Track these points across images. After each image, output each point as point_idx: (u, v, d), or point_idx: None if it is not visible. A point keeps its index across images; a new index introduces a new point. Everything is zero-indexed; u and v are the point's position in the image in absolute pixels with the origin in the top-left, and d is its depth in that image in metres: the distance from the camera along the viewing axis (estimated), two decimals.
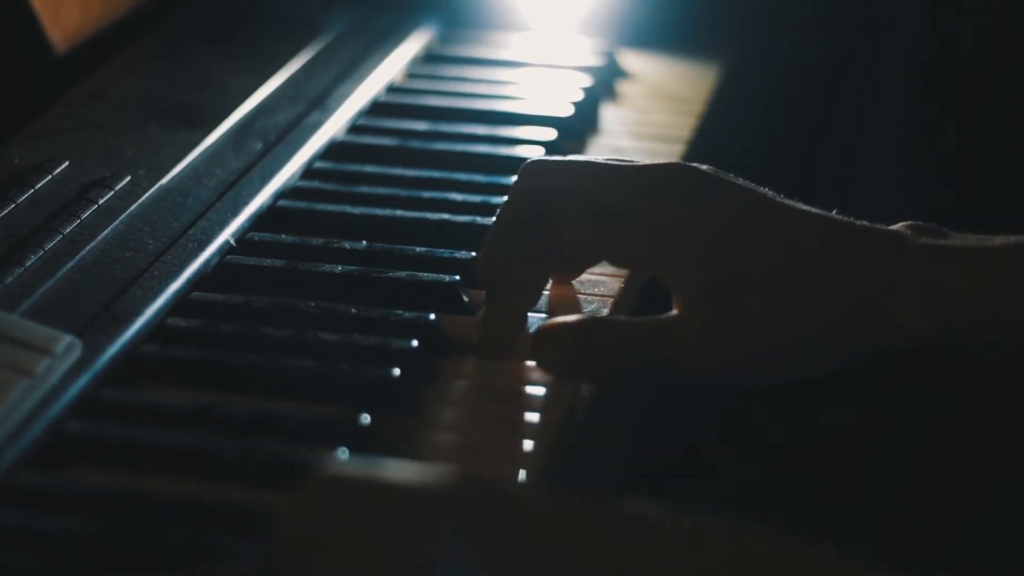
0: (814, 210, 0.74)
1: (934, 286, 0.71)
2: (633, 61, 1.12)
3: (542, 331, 0.74)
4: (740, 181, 0.75)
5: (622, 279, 0.82)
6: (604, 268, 0.83)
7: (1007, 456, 0.92)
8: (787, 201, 0.74)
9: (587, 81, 1.05)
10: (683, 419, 0.95)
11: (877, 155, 1.22)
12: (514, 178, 0.78)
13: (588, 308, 0.80)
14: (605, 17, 1.14)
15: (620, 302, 0.81)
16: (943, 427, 0.96)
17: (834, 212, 0.74)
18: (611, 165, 0.76)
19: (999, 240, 0.72)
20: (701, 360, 0.72)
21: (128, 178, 0.85)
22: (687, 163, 0.76)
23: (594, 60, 1.09)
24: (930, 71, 1.25)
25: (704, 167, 0.75)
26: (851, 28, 1.26)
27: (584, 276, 0.82)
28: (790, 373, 0.73)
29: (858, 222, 0.74)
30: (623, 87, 1.10)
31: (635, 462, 0.92)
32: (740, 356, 0.72)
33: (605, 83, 1.08)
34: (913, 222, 0.74)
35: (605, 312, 0.80)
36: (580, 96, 1.03)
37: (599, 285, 0.82)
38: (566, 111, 1.00)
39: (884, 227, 0.73)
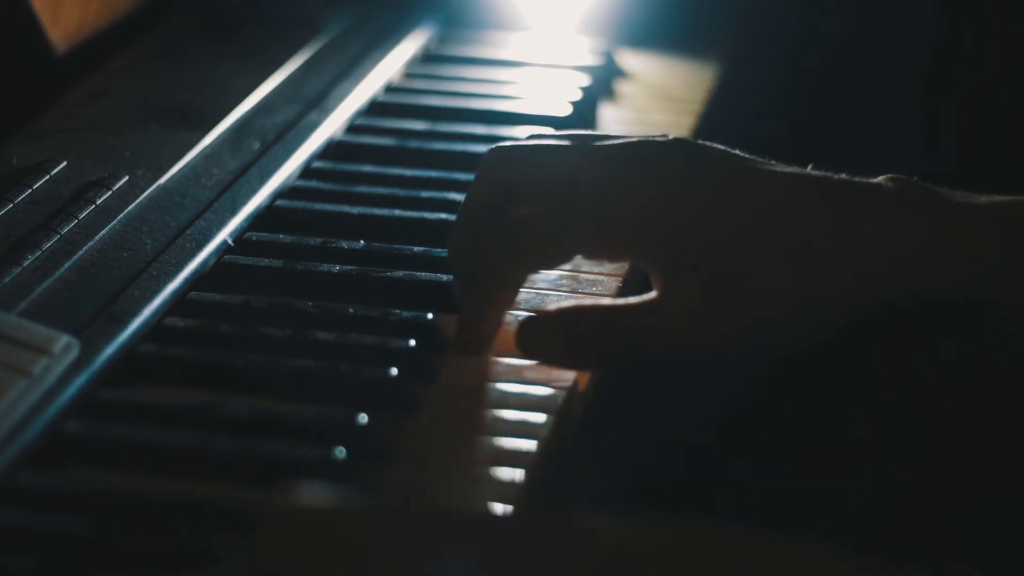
0: (795, 170, 0.73)
1: (929, 240, 0.71)
2: (632, 61, 1.12)
3: (527, 323, 0.74)
4: (721, 149, 0.74)
5: (620, 278, 0.82)
6: (602, 268, 0.83)
7: (1009, 456, 0.92)
8: (772, 165, 0.73)
9: (585, 81, 1.05)
10: (683, 419, 0.94)
11: (876, 155, 1.22)
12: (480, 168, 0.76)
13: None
14: (604, 17, 1.14)
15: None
16: (944, 427, 0.96)
17: (809, 167, 0.73)
18: (578, 147, 0.74)
19: (984, 197, 0.72)
20: (690, 339, 0.71)
21: (126, 178, 0.85)
22: (657, 139, 0.74)
23: (593, 60, 1.09)
24: (930, 71, 1.25)
25: (681, 139, 0.74)
26: (850, 28, 1.26)
27: (583, 276, 0.82)
28: (786, 342, 0.72)
29: (841, 177, 0.73)
30: (622, 87, 1.10)
31: (635, 463, 0.92)
32: (731, 331, 0.71)
33: (604, 83, 1.08)
34: (895, 175, 0.73)
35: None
36: (578, 96, 1.03)
37: (597, 285, 0.82)
38: (564, 111, 1.00)
39: (867, 180, 0.72)
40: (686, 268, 0.71)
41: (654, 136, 0.75)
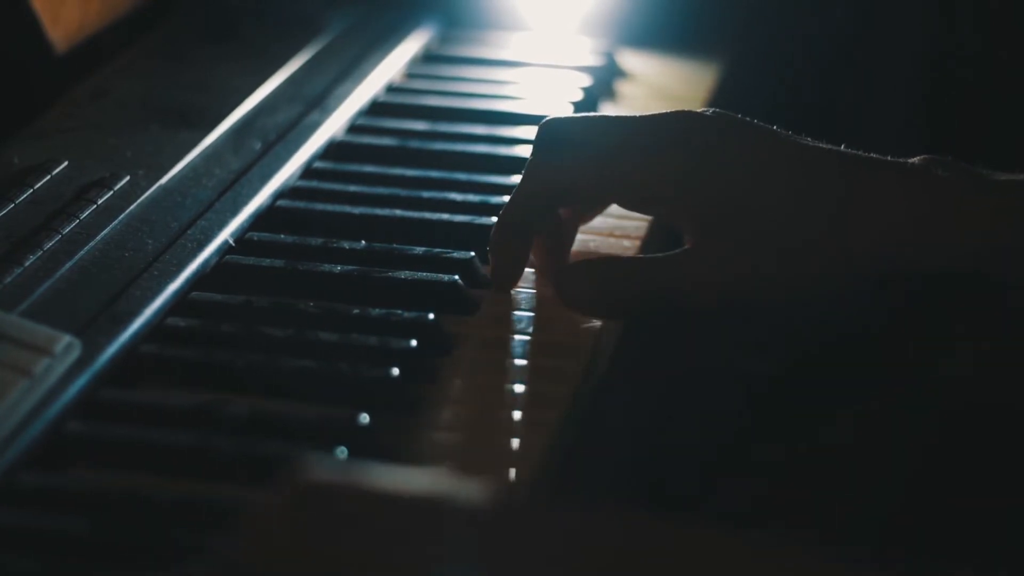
0: (830, 146, 0.78)
1: (954, 214, 0.75)
2: (633, 61, 1.12)
3: (566, 270, 0.79)
4: (760, 124, 0.78)
5: None
6: None
7: (1012, 457, 0.92)
8: (808, 140, 0.78)
9: (586, 81, 1.05)
10: (683, 419, 0.94)
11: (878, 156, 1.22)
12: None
13: None
14: (605, 17, 1.14)
15: None
16: (946, 427, 0.96)
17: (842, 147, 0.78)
18: (625, 116, 0.80)
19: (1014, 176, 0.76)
20: (714, 292, 0.77)
21: (127, 178, 0.85)
22: (693, 110, 0.79)
23: (593, 60, 1.09)
24: (931, 71, 1.25)
25: (723, 112, 0.79)
26: (851, 28, 1.26)
27: None
28: (805, 295, 0.77)
29: (872, 155, 0.77)
30: (622, 87, 1.10)
31: (634, 464, 0.92)
32: (753, 287, 0.77)
33: (604, 83, 1.08)
34: (931, 156, 0.77)
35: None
36: (579, 96, 1.03)
37: None
38: (565, 111, 1.00)
39: (902, 160, 0.77)
40: (722, 226, 0.76)
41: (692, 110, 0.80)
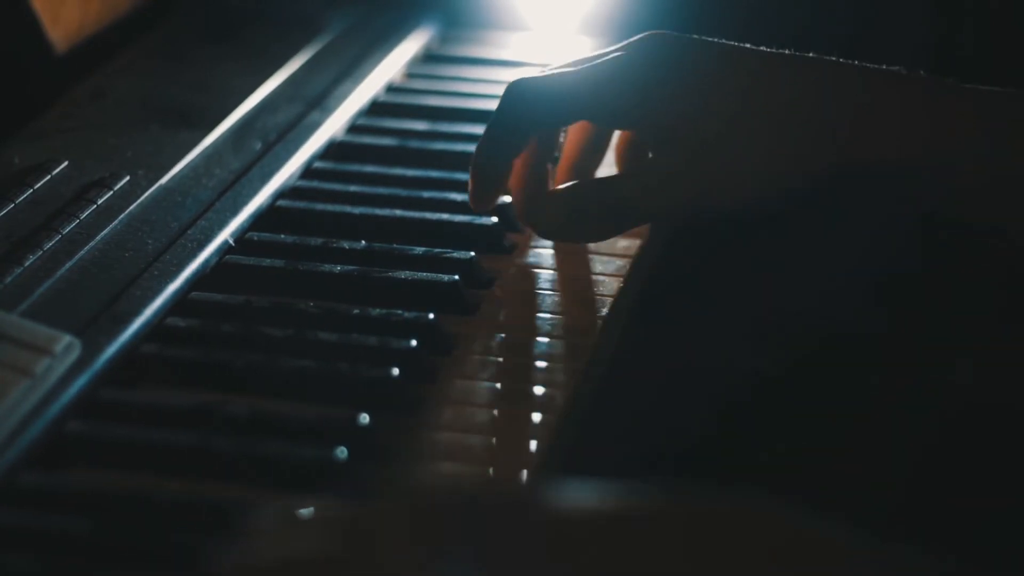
0: (811, 56, 0.79)
1: (908, 109, 0.77)
2: None
3: (532, 198, 0.81)
4: (712, 40, 0.81)
5: (621, 279, 0.82)
6: (604, 267, 0.83)
7: (1010, 457, 0.92)
8: (748, 47, 0.80)
9: None
10: (684, 418, 0.94)
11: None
12: None
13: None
14: (605, 17, 1.14)
15: (620, 300, 0.81)
16: (946, 427, 0.96)
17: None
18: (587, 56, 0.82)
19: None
20: (670, 197, 0.78)
21: (127, 178, 0.85)
22: (656, 31, 0.82)
23: None
24: (932, 71, 1.25)
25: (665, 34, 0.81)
26: (851, 28, 1.26)
27: (583, 277, 0.83)
28: (772, 197, 0.78)
29: (834, 58, 0.79)
30: None
31: (633, 464, 0.92)
32: (717, 193, 0.78)
33: None
34: (905, 68, 0.78)
35: (605, 311, 0.80)
36: None
37: (599, 285, 0.82)
38: None
39: (865, 64, 0.79)
40: (674, 132, 0.78)
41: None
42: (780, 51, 0.79)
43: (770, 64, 0.79)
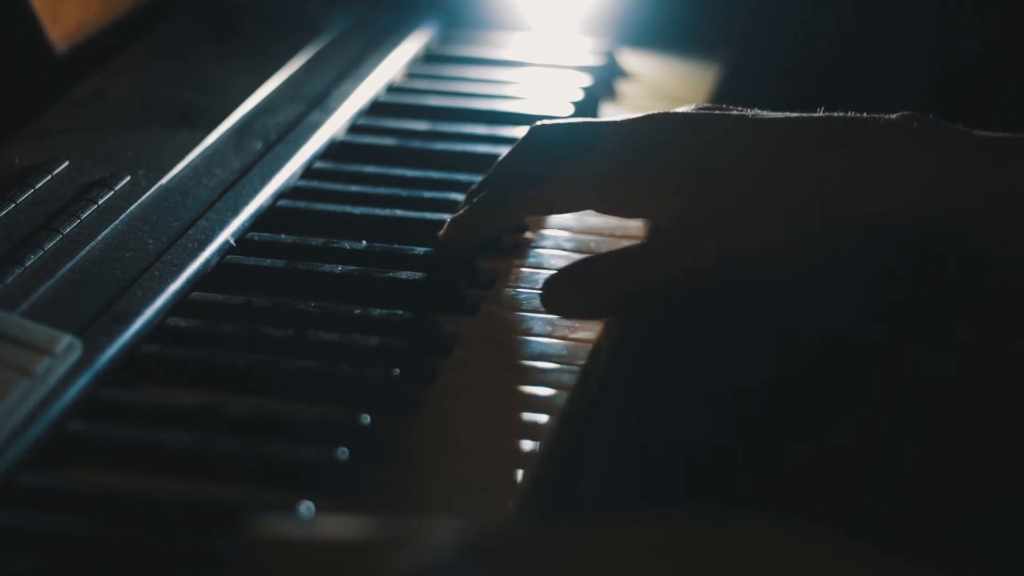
0: (792, 114, 0.78)
1: (947, 172, 0.75)
2: (633, 61, 1.12)
3: (550, 279, 0.78)
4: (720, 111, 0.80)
5: None
6: None
7: (1010, 458, 0.92)
8: (763, 113, 0.79)
9: (587, 81, 1.05)
10: (682, 419, 0.95)
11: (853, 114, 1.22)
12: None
13: None
14: (605, 17, 1.14)
15: None
16: (946, 427, 0.96)
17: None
18: (602, 128, 0.81)
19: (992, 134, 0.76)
20: (696, 264, 0.76)
21: (128, 178, 0.85)
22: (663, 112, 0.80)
23: (594, 60, 1.09)
24: (933, 72, 1.25)
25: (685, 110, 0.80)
26: (852, 28, 1.26)
27: None
28: (787, 262, 0.77)
29: (847, 114, 0.78)
30: (623, 87, 1.10)
31: (633, 466, 0.92)
32: (734, 255, 0.76)
33: (605, 83, 1.08)
34: (910, 112, 0.77)
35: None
36: (580, 96, 1.03)
37: None
38: (566, 111, 1.00)
39: (874, 115, 0.78)
40: (694, 197, 0.77)
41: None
42: (786, 115, 0.78)
43: (793, 123, 0.78)
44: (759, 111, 0.79)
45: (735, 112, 0.80)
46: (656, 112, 0.80)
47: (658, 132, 0.79)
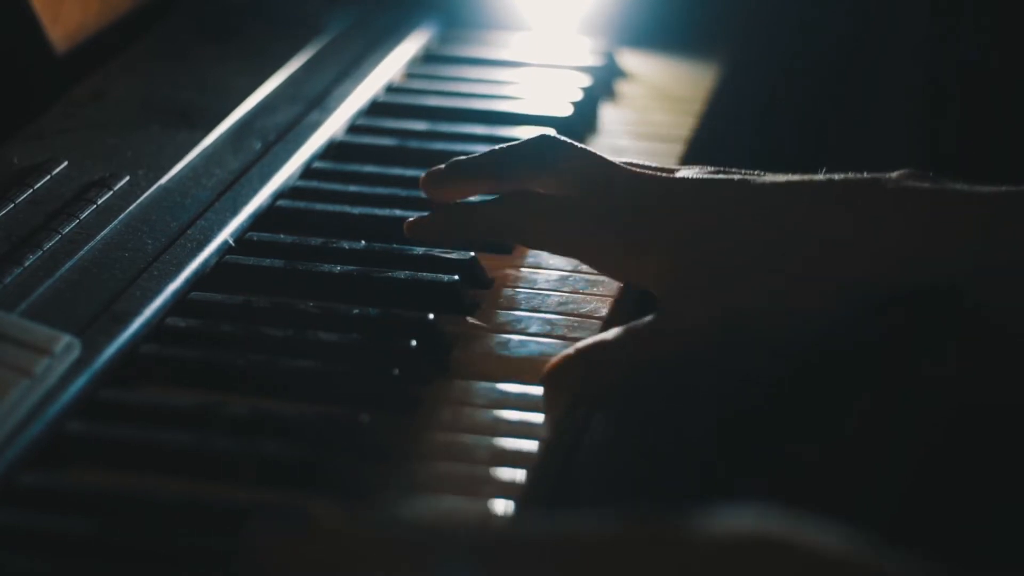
0: (795, 177, 0.77)
1: (945, 231, 0.74)
2: (633, 61, 1.12)
3: (548, 368, 0.74)
4: (719, 176, 0.78)
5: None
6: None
7: (1010, 458, 0.92)
8: (766, 177, 0.77)
9: (586, 81, 1.05)
10: (681, 420, 0.94)
11: (878, 156, 1.22)
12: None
13: (586, 307, 0.80)
14: (605, 17, 1.14)
15: (620, 301, 0.81)
16: (946, 427, 0.96)
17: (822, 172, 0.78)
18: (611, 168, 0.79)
19: (989, 188, 0.75)
20: (703, 337, 0.75)
21: (127, 178, 0.85)
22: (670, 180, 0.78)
23: (593, 60, 1.09)
24: (932, 72, 1.25)
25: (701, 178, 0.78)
26: (852, 28, 1.26)
27: (584, 276, 0.82)
28: (797, 337, 0.76)
29: (844, 176, 0.77)
30: (622, 87, 1.10)
31: (632, 465, 0.92)
32: (738, 331, 0.75)
33: (604, 83, 1.08)
34: (909, 171, 0.76)
35: (604, 311, 0.80)
36: (579, 96, 1.03)
37: (598, 285, 0.82)
38: (565, 111, 1.00)
39: (875, 175, 0.76)
40: (693, 269, 0.75)
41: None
42: (788, 178, 0.77)
43: (792, 188, 0.77)
44: (761, 174, 0.78)
45: (737, 177, 0.78)
46: (662, 175, 0.78)
47: (664, 200, 0.77)
